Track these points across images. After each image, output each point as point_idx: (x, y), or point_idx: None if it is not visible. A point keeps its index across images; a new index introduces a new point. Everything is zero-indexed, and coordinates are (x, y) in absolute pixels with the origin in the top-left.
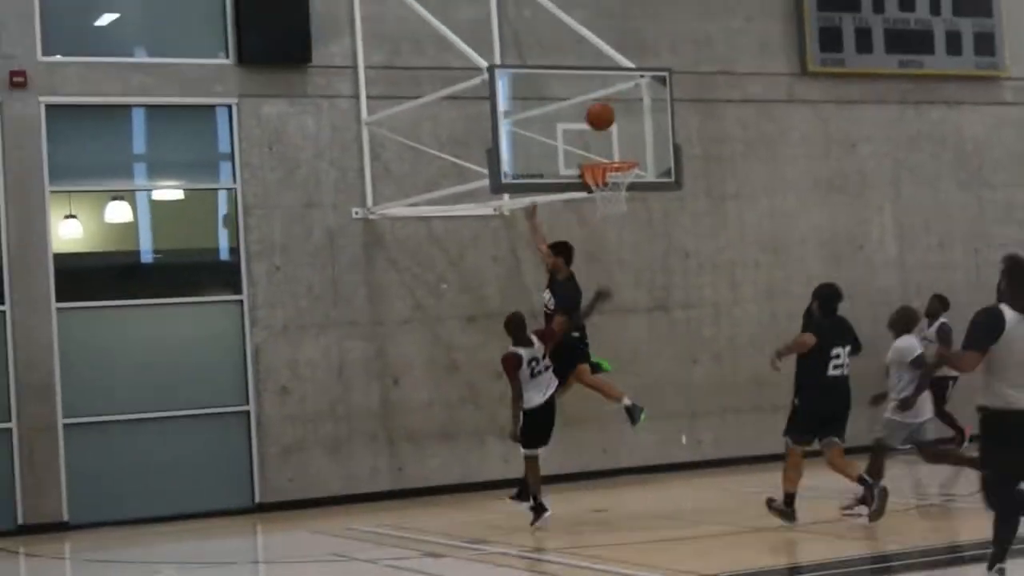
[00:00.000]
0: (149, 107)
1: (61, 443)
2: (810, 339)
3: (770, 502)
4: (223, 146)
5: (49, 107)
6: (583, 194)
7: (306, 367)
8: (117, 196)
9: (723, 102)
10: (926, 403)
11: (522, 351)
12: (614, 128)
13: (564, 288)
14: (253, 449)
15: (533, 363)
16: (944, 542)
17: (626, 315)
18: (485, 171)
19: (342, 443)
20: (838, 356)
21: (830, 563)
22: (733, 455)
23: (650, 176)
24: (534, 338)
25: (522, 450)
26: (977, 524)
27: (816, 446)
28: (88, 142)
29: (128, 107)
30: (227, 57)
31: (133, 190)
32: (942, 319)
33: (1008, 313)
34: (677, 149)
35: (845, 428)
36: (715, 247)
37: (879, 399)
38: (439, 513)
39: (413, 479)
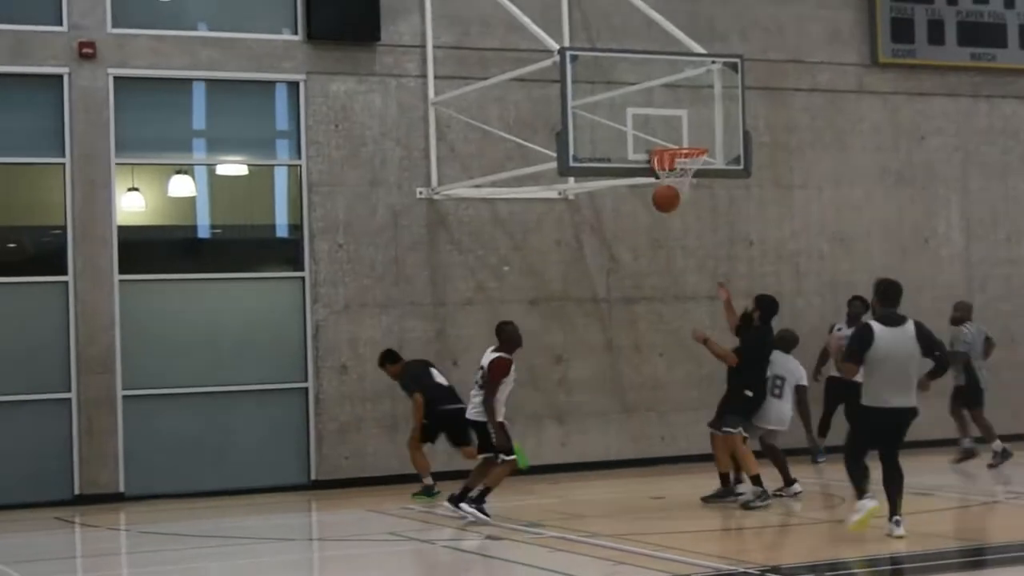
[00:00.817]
0: (216, 82)
1: (120, 415)
2: (732, 359)
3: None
4: (289, 123)
5: (117, 79)
6: (651, 179)
7: (366, 346)
8: (181, 170)
9: (792, 91)
10: (771, 413)
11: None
12: (683, 113)
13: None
14: (310, 426)
15: (480, 371)
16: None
17: (688, 302)
18: (551, 154)
19: (400, 422)
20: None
21: (891, 558)
22: (792, 445)
23: (719, 163)
24: (493, 355)
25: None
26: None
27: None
28: (155, 115)
29: (195, 81)
30: (296, 33)
31: (198, 164)
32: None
33: (877, 328)
34: (747, 136)
35: None
36: (780, 236)
37: None
38: (496, 496)
39: (469, 461)
